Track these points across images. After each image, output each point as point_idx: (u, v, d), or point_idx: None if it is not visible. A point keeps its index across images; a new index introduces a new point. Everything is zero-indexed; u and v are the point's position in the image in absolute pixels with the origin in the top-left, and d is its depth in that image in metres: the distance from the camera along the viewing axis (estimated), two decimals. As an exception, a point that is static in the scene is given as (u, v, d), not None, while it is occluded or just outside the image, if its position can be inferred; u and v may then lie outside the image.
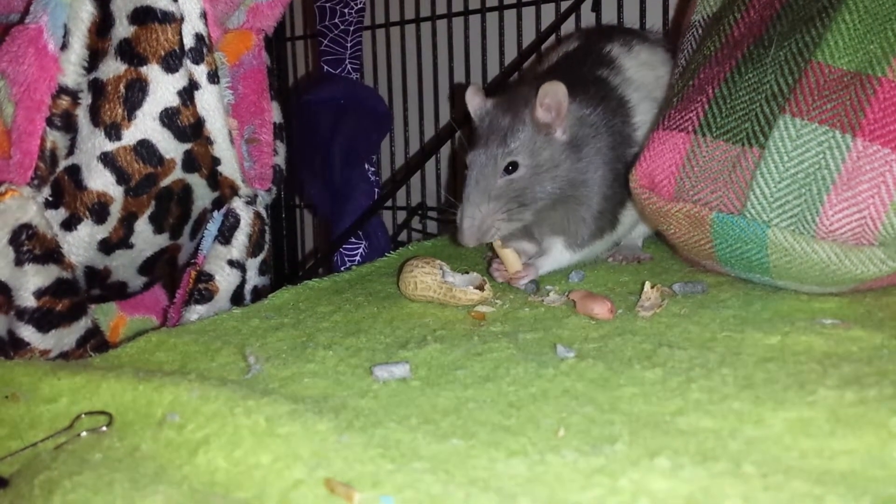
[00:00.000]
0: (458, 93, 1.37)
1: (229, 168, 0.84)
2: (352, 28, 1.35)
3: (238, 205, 0.87)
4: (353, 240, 1.25)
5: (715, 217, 0.71)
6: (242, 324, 0.77)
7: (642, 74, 0.93)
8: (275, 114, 0.96)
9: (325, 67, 1.36)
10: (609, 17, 1.30)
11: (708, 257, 0.76)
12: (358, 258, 1.24)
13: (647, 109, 0.89)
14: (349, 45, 1.35)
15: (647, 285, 0.73)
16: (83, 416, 0.57)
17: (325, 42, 1.35)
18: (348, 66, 1.35)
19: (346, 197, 1.24)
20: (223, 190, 0.86)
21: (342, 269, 1.16)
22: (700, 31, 0.86)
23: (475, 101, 0.88)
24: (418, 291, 0.81)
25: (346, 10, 1.35)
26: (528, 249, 0.91)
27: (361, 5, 1.36)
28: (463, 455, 0.46)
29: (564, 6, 1.31)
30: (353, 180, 1.25)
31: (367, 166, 1.29)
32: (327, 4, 1.35)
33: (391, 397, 0.56)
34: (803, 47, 0.70)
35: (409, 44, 1.46)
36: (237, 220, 0.87)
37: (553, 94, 0.81)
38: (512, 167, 0.82)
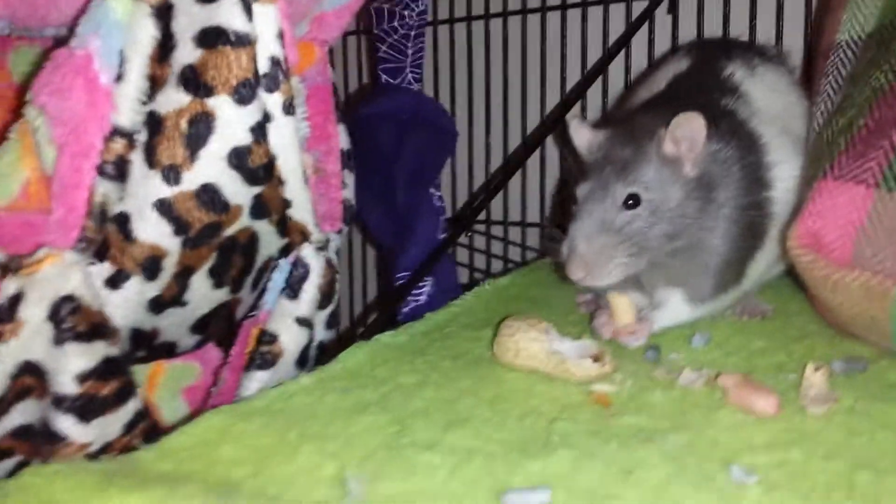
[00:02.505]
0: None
1: (301, 211, 0.72)
2: (413, 33, 1.22)
3: (308, 252, 0.75)
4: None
5: (901, 292, 0.58)
6: (317, 402, 0.65)
7: (771, 103, 0.80)
8: (342, 139, 0.83)
9: (383, 77, 1.23)
10: (687, 19, 1.17)
11: (878, 333, 0.63)
12: (424, 297, 1.12)
13: (782, 145, 0.76)
14: (410, 51, 1.22)
15: (811, 368, 0.61)
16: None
17: (383, 48, 1.22)
18: (409, 75, 1.22)
19: (410, 225, 1.12)
20: (292, 236, 0.74)
21: (406, 310, 1.04)
22: (851, 54, 0.73)
23: (583, 135, 0.76)
24: (519, 360, 0.69)
25: (405, 13, 1.21)
26: (637, 301, 0.79)
27: (423, 7, 1.23)
28: None
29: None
30: (419, 206, 1.13)
31: (433, 190, 1.17)
32: (385, 6, 1.22)
33: (537, 543, 0.44)
34: None
35: (476, 43, 1.35)
36: (307, 271, 0.74)
37: (688, 126, 0.69)
38: (632, 202, 0.70)
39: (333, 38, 0.86)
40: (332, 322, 0.79)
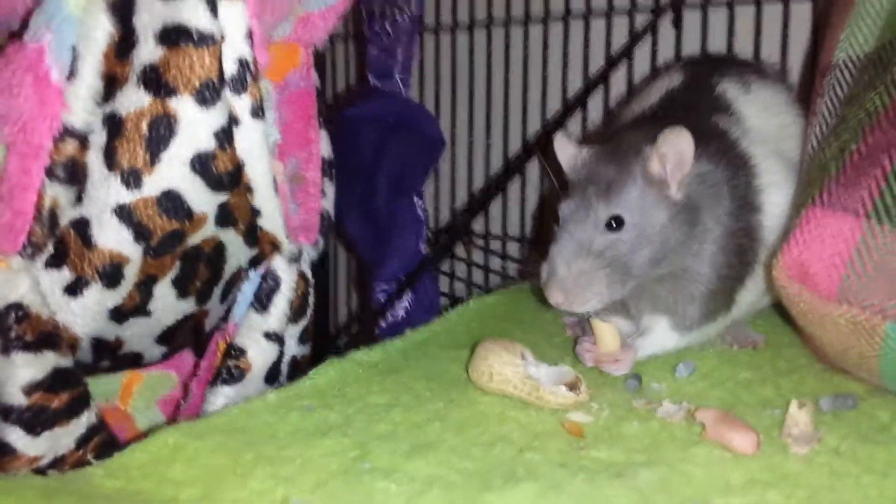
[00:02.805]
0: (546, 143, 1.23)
1: (271, 221, 0.69)
2: (404, 38, 1.19)
3: (279, 264, 0.72)
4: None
5: (890, 328, 0.55)
6: (279, 420, 0.62)
7: (765, 122, 0.77)
8: (324, 146, 0.81)
9: (371, 80, 1.20)
10: (692, 33, 1.14)
11: (867, 370, 0.60)
12: (402, 312, 1.09)
13: (774, 167, 0.73)
14: (400, 55, 1.20)
15: (795, 405, 0.58)
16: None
17: (373, 51, 1.20)
18: (398, 79, 1.19)
19: (390, 234, 1.09)
20: (262, 246, 0.71)
21: (384, 325, 1.01)
22: (849, 76, 0.70)
23: (567, 151, 0.73)
24: (493, 384, 0.66)
25: (397, 16, 1.19)
26: (623, 328, 0.76)
27: (418, 12, 1.20)
28: None
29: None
30: (400, 214, 1.10)
31: (415, 199, 1.14)
32: (376, 8, 1.20)
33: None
34: None
35: (478, 54, 1.33)
36: (277, 284, 0.72)
37: (675, 143, 0.66)
38: (615, 224, 0.67)
39: (319, 39, 0.84)
40: (305, 337, 0.77)
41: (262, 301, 0.72)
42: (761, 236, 0.71)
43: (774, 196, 0.72)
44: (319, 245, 0.79)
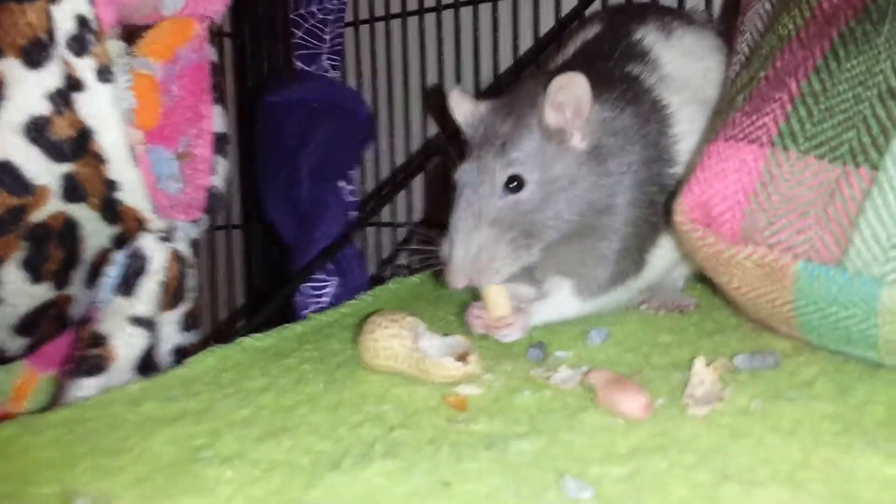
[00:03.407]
0: (435, 97, 1.14)
1: (132, 194, 0.63)
2: (332, 17, 1.13)
3: (146, 243, 0.65)
4: (324, 276, 1.02)
5: (801, 268, 0.48)
6: (129, 411, 0.55)
7: (685, 68, 0.71)
8: (216, 122, 0.75)
9: (298, 63, 1.14)
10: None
11: (785, 322, 0.54)
12: (327, 299, 1.02)
13: (692, 115, 0.67)
14: (328, 37, 1.13)
15: (700, 363, 0.51)
16: None
17: (299, 34, 1.13)
18: (325, 62, 1.13)
19: (314, 220, 1.02)
20: (126, 223, 0.65)
21: (307, 312, 0.95)
22: (769, 5, 0.64)
23: (463, 107, 0.67)
24: (380, 360, 0.59)
25: (324, -4, 1.13)
26: (525, 294, 0.69)
27: (345, -7, 1.14)
28: None
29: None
30: (324, 200, 1.03)
31: (343, 183, 1.07)
32: (303, -11, 1.14)
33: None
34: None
35: (411, 40, 1.25)
36: (144, 264, 0.65)
37: (569, 88, 0.60)
38: (515, 184, 0.61)
39: (214, 13, 0.79)
40: (189, 323, 0.70)
41: (127, 283, 0.65)
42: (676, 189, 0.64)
43: (692, 145, 0.66)
44: (201, 222, 0.72)
